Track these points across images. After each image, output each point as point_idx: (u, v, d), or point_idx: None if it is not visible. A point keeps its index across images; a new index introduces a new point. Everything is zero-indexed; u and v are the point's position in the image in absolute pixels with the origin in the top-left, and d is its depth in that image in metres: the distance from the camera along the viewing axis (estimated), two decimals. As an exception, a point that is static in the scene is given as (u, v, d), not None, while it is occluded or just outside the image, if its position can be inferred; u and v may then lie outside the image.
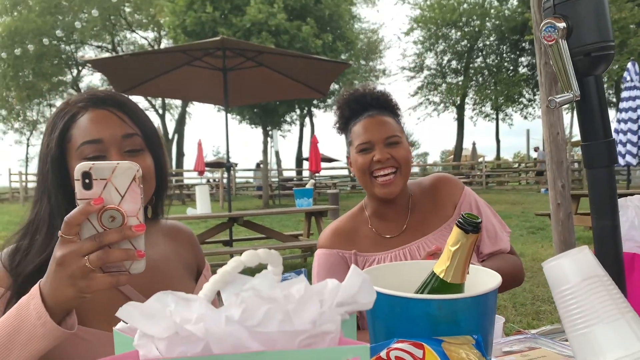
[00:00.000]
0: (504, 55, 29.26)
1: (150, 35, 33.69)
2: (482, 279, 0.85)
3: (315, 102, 20.55)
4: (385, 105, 1.48)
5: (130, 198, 0.71)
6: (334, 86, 24.68)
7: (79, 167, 0.70)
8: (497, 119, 31.81)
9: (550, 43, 0.75)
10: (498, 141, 32.83)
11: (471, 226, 0.72)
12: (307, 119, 32.75)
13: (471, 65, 29.58)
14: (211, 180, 23.38)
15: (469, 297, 0.72)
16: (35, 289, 0.77)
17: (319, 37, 15.25)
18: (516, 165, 27.88)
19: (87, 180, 0.70)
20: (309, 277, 0.76)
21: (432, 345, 0.65)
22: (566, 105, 0.85)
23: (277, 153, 20.11)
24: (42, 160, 0.95)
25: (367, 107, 1.46)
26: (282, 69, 6.38)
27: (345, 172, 27.46)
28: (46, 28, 26.28)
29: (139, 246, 0.73)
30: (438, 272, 0.76)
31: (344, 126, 1.51)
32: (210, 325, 0.39)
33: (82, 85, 35.46)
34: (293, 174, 26.11)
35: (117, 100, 1.00)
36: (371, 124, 1.42)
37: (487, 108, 30.72)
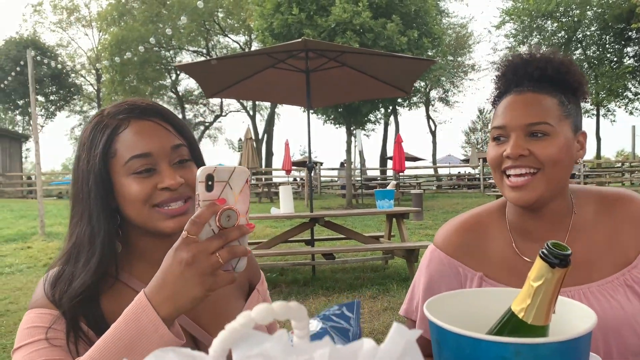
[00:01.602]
0: (607, 45, 26.93)
1: (242, 39, 35.05)
2: (573, 318, 0.72)
3: (399, 100, 20.16)
4: (555, 79, 1.06)
5: (243, 199, 0.77)
6: (419, 83, 24.13)
7: (204, 170, 0.74)
8: (597, 115, 29.40)
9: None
10: (599, 139, 30.32)
11: (558, 259, 0.60)
12: (391, 118, 32.34)
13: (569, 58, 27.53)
14: (297, 178, 23.84)
15: (555, 342, 0.61)
16: (141, 302, 0.76)
17: (404, 34, 14.90)
18: (619, 164, 25.58)
19: (210, 182, 0.74)
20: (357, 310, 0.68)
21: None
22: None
23: (360, 152, 20.00)
24: (81, 178, 0.92)
25: (522, 80, 1.08)
26: (365, 69, 6.29)
27: (430, 171, 26.76)
28: (148, 36, 28.25)
29: (245, 245, 0.78)
30: (517, 310, 0.64)
31: (495, 101, 1.15)
32: (214, 394, 0.32)
33: (180, 88, 37.75)
34: (377, 173, 25.90)
35: (159, 110, 0.97)
36: (514, 102, 1.05)
37: (587, 104, 28.43)
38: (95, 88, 37.13)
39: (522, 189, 1.02)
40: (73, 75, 36.45)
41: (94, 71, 36.99)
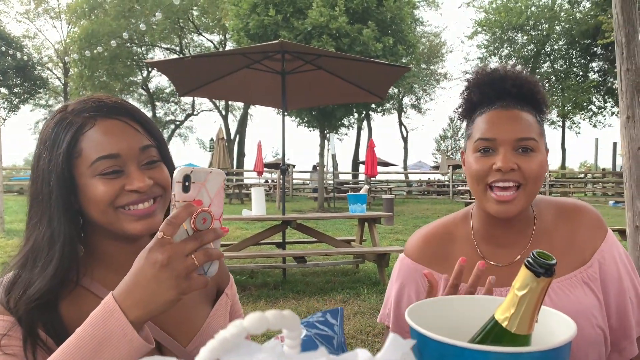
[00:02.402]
0: (574, 60, 27.82)
1: (216, 38, 34.71)
2: (554, 327, 0.73)
3: (373, 105, 20.31)
4: (528, 97, 1.12)
5: (218, 202, 0.76)
6: (392, 90, 24.35)
7: (181, 170, 0.73)
8: (563, 127, 30.30)
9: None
10: (564, 150, 31.25)
11: (543, 268, 0.60)
12: (364, 123, 32.54)
13: (537, 70, 28.32)
14: (269, 180, 23.72)
15: (537, 352, 0.60)
16: (109, 305, 0.72)
17: (380, 41, 15.03)
18: (582, 175, 26.42)
19: (187, 183, 0.73)
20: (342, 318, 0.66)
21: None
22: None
23: (333, 156, 20.05)
24: (41, 178, 0.86)
25: (503, 95, 1.11)
26: (340, 73, 6.30)
27: (401, 177, 27.06)
28: (120, 31, 27.65)
29: (219, 248, 0.77)
30: (500, 319, 0.64)
31: (467, 113, 1.17)
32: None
33: (151, 85, 37.09)
34: (349, 177, 26.01)
35: (127, 109, 0.92)
36: (502, 117, 1.07)
37: (553, 115, 29.31)
38: (62, 82, 36.12)
39: (508, 204, 1.05)
40: (39, 67, 35.34)
41: (61, 64, 35.98)
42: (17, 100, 34.04)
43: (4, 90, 32.28)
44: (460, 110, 1.20)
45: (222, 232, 0.76)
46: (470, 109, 1.17)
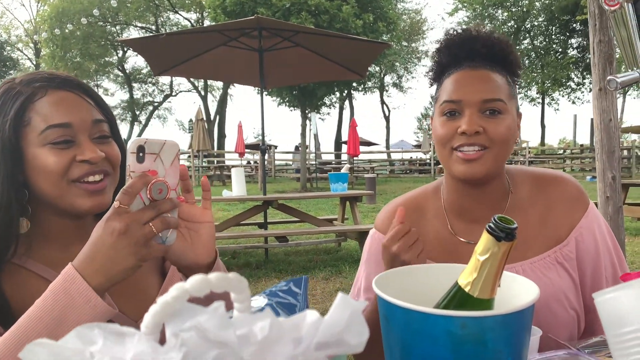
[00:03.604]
0: (553, 36, 28.00)
1: (193, 16, 34.00)
2: (517, 291, 0.74)
3: (354, 84, 20.24)
4: (499, 58, 1.06)
5: (173, 173, 0.78)
6: (374, 68, 24.26)
7: (135, 141, 0.74)
8: (542, 103, 30.65)
9: (613, 8, 0.61)
10: (543, 126, 31.64)
11: (504, 232, 0.60)
12: (346, 102, 32.45)
13: (518, 47, 28.45)
14: (251, 162, 23.59)
15: (500, 315, 0.61)
16: (69, 274, 0.72)
17: (360, 17, 14.90)
18: (561, 151, 26.85)
19: (141, 154, 0.74)
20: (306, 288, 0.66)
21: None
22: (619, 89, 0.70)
23: (315, 136, 19.97)
24: None
25: (473, 56, 1.06)
26: (319, 50, 6.23)
27: (383, 156, 27.17)
28: (92, 9, 26.85)
29: (176, 217, 0.79)
30: (463, 284, 0.64)
31: (437, 76, 1.12)
32: (142, 372, 0.30)
33: (127, 66, 36.30)
34: (331, 157, 26.01)
35: (80, 84, 0.92)
36: (469, 77, 1.03)
37: (533, 92, 29.60)
38: (34, 63, 35.15)
39: (473, 162, 1.00)
40: (9, 48, 34.29)
41: (32, 45, 34.97)
42: (-12, 82, 33.04)
43: (-27, 72, 31.33)
44: (430, 73, 1.15)
45: (178, 202, 0.77)
46: (439, 71, 1.12)
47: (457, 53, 1.08)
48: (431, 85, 1.16)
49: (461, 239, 1.10)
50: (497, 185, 1.09)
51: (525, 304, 0.63)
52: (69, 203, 0.86)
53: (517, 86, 1.11)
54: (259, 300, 0.55)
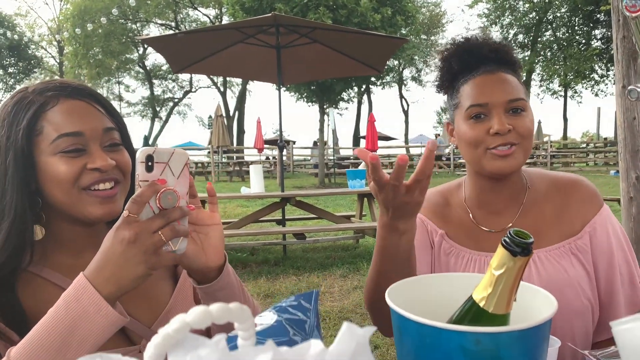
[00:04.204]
0: (576, 27, 27.36)
1: (212, 12, 34.19)
2: (535, 303, 0.72)
3: (372, 79, 20.13)
4: (505, 60, 1.14)
5: (182, 182, 0.78)
6: (392, 62, 24.09)
7: (144, 151, 0.75)
8: (565, 96, 30.08)
9: (634, 15, 0.58)
10: (565, 120, 31.05)
11: (520, 247, 0.59)
12: (364, 97, 32.31)
13: (539, 39, 27.92)
14: (270, 157, 23.67)
15: (515, 331, 0.60)
16: (80, 283, 0.73)
17: (378, 11, 14.77)
18: (584, 145, 26.31)
19: (149, 163, 0.75)
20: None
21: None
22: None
23: (333, 131, 19.94)
24: None
25: (484, 61, 1.12)
26: (337, 46, 6.20)
27: (402, 151, 27.00)
28: (113, 7, 27.21)
29: (186, 226, 0.79)
30: (478, 299, 0.63)
31: (449, 83, 1.18)
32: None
33: (148, 62, 36.72)
34: (349, 152, 25.95)
35: (91, 92, 0.92)
36: (490, 81, 1.09)
37: (555, 85, 29.05)
38: (57, 61, 35.79)
39: (508, 158, 1.07)
40: (33, 46, 34.97)
41: (55, 43, 35.60)
42: (12, 80, 33.81)
43: (-1, 70, 32.02)
44: (439, 82, 1.21)
45: (188, 210, 0.78)
46: (451, 79, 1.18)
47: (467, 59, 1.14)
48: (441, 93, 1.22)
49: (482, 228, 1.18)
50: (516, 179, 1.17)
51: (543, 319, 0.61)
52: (80, 211, 0.87)
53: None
54: (268, 317, 0.54)
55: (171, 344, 0.31)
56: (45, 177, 0.85)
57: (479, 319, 0.63)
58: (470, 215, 1.20)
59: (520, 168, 1.13)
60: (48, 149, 0.84)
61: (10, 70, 33.44)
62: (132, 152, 0.96)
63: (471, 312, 0.64)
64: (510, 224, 1.15)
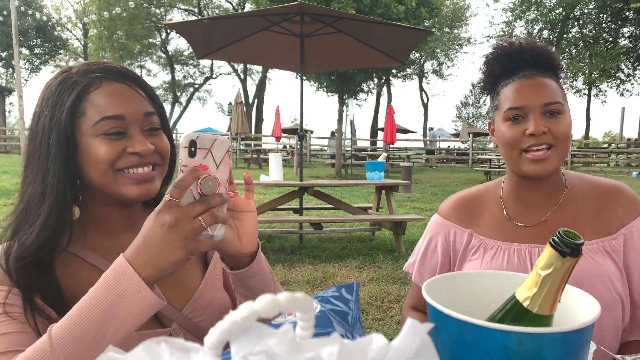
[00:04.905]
0: (603, 25, 26.72)
1: (235, -1, 34.15)
2: (576, 306, 0.70)
3: (393, 70, 19.98)
4: (546, 65, 1.19)
5: (223, 168, 0.78)
6: (414, 54, 23.84)
7: (188, 136, 0.75)
8: (589, 95, 29.47)
9: None
10: (588, 119, 30.46)
11: (570, 248, 0.57)
12: (384, 89, 32.08)
13: (565, 35, 27.35)
14: (287, 146, 23.70)
15: (559, 333, 0.58)
16: (121, 265, 0.74)
17: (402, 3, 14.61)
18: (605, 145, 25.80)
19: (192, 149, 0.75)
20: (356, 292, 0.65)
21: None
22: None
23: (352, 122, 19.86)
24: (40, 135, 0.86)
25: (524, 65, 1.18)
26: (361, 36, 6.15)
27: (420, 144, 26.83)
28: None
29: (225, 213, 0.79)
30: (522, 299, 0.62)
31: (491, 86, 1.25)
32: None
33: (170, 48, 36.91)
34: (367, 144, 25.85)
35: (133, 76, 0.92)
36: (527, 86, 1.14)
37: (579, 83, 28.46)
38: (82, 43, 36.15)
39: (543, 162, 1.12)
40: (59, 28, 35.35)
41: (80, 25, 35.95)
42: (38, 61, 34.29)
43: (25, 50, 32.45)
44: (482, 84, 1.27)
45: (228, 197, 0.78)
46: (493, 81, 1.24)
47: (508, 63, 1.20)
48: (484, 94, 1.29)
49: (515, 223, 1.22)
50: (554, 178, 1.21)
51: (587, 322, 0.60)
52: (117, 191, 0.87)
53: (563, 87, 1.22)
54: (312, 307, 0.54)
55: (236, 332, 0.31)
56: (85, 158, 0.86)
57: (521, 319, 0.62)
58: (505, 212, 1.25)
59: (555, 171, 1.16)
60: (90, 130, 0.85)
61: (36, 50, 33.89)
62: (170, 137, 0.96)
63: (514, 312, 0.63)
64: (544, 219, 1.19)
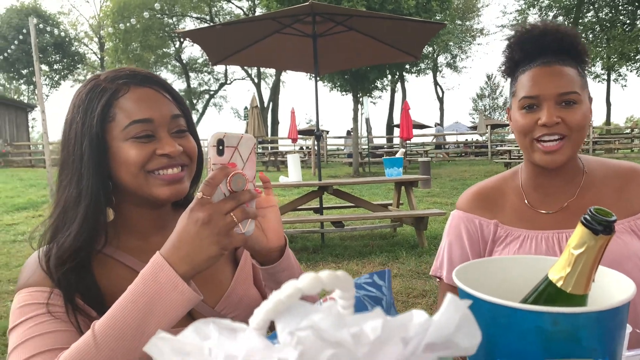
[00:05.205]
0: (620, 7, 26.14)
1: (245, 4, 34.39)
2: (610, 286, 0.70)
3: (407, 66, 19.84)
4: (568, 50, 1.15)
5: (250, 165, 0.81)
6: (426, 49, 23.68)
7: (215, 135, 0.77)
8: (608, 80, 28.89)
9: None
10: (609, 104, 29.85)
11: (602, 225, 0.57)
12: (398, 85, 31.92)
13: (580, 20, 26.83)
14: (304, 147, 23.74)
15: (594, 312, 0.58)
16: (158, 262, 0.76)
17: (413, -2, 14.54)
18: (628, 130, 25.23)
19: (220, 147, 0.78)
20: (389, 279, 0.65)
21: (547, 373, 0.53)
22: None
23: (367, 120, 19.80)
24: (74, 141, 0.89)
25: (544, 51, 1.14)
26: (373, 33, 6.14)
27: (438, 139, 26.59)
28: (151, 2, 27.71)
29: (254, 209, 0.82)
30: (555, 279, 0.62)
31: (510, 71, 1.22)
32: (259, 370, 0.30)
33: (184, 56, 37.32)
34: (384, 141, 25.75)
35: (159, 80, 0.95)
36: (544, 74, 1.11)
37: (598, 68, 27.91)
38: (99, 56, 36.78)
39: (555, 153, 1.11)
40: (76, 43, 36.05)
41: (96, 39, 36.59)
42: (57, 76, 35.02)
43: (44, 67, 33.17)
44: (503, 68, 1.25)
45: (256, 193, 0.80)
46: (512, 67, 1.21)
47: (528, 49, 1.16)
48: (505, 79, 1.25)
49: (537, 210, 1.21)
50: (571, 165, 1.19)
51: (622, 301, 0.59)
52: (149, 193, 0.90)
53: (586, 73, 1.19)
54: (346, 294, 0.55)
55: (280, 310, 0.32)
56: (117, 161, 0.88)
57: (555, 300, 0.62)
58: (526, 200, 1.23)
59: (568, 161, 1.14)
60: (120, 134, 0.88)
61: (55, 66, 34.61)
62: (197, 138, 0.99)
63: (547, 292, 0.63)
64: (566, 204, 1.18)
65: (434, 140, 24.29)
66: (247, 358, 0.31)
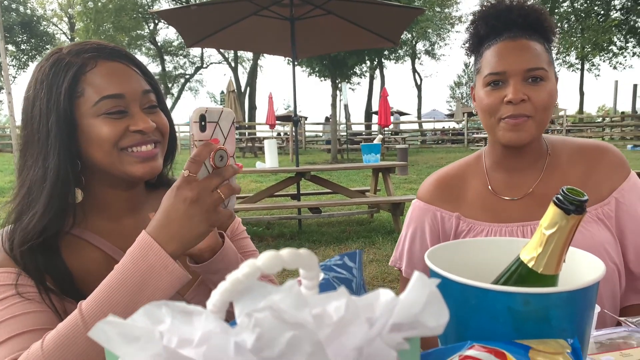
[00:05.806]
0: (595, -3, 26.58)
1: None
2: (580, 266, 0.70)
3: (385, 52, 19.82)
4: (535, 26, 1.11)
5: (230, 140, 0.79)
6: (405, 35, 23.67)
7: (197, 110, 0.76)
8: (582, 69, 29.40)
9: None
10: (582, 93, 30.43)
11: (574, 205, 0.56)
12: (377, 71, 31.92)
13: (556, 10, 27.17)
14: (282, 133, 23.61)
15: (565, 292, 0.58)
16: (146, 241, 0.74)
17: (391, -17, 14.49)
18: (600, 119, 25.82)
19: (203, 123, 0.76)
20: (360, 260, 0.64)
21: (517, 353, 0.52)
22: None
23: (346, 107, 19.78)
24: (38, 119, 0.84)
25: (510, 26, 1.10)
26: (352, 17, 6.09)
27: (415, 126, 26.79)
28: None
29: (236, 183, 0.81)
30: (526, 260, 0.61)
31: (475, 47, 1.17)
32: (213, 352, 0.28)
33: (159, 39, 36.52)
34: (362, 128, 25.78)
35: (127, 54, 0.92)
36: (510, 48, 1.07)
37: (572, 57, 28.38)
38: (69, 37, 35.74)
39: (519, 130, 1.06)
40: (44, 22, 34.91)
41: (66, 19, 35.52)
42: (25, 57, 33.87)
43: (11, 47, 32.05)
44: (467, 45, 1.20)
45: (238, 168, 0.79)
46: (477, 43, 1.17)
47: (494, 24, 1.12)
48: (469, 56, 1.21)
49: (500, 197, 1.17)
50: (535, 145, 1.16)
51: (592, 281, 0.59)
52: (122, 170, 0.87)
53: (553, 51, 1.15)
54: (315, 275, 0.53)
55: (239, 290, 0.30)
56: (87, 138, 0.85)
57: (526, 280, 0.62)
58: (490, 186, 1.19)
59: (533, 140, 1.10)
60: (90, 111, 0.84)
61: (22, 47, 33.48)
62: (168, 114, 0.96)
63: (518, 272, 0.62)
64: (531, 190, 1.15)
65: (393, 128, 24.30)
66: (202, 342, 0.29)
